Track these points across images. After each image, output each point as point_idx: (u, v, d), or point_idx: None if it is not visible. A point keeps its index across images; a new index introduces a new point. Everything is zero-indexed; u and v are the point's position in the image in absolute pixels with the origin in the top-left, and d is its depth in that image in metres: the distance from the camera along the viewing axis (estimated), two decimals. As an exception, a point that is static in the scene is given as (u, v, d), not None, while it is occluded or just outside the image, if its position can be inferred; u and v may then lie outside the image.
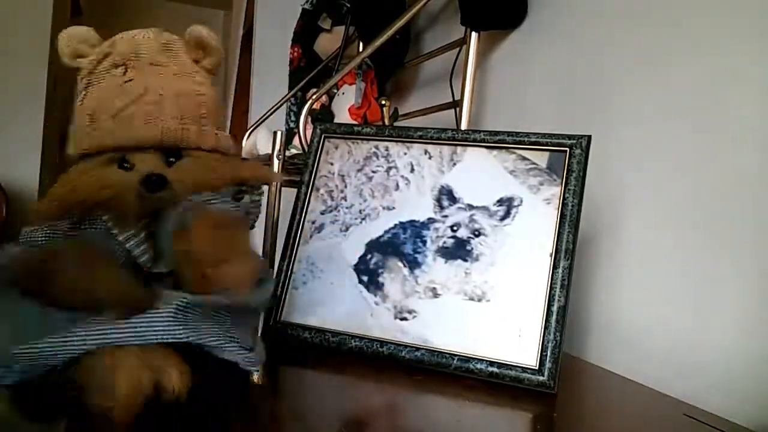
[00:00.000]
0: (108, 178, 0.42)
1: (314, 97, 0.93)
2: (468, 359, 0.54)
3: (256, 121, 1.35)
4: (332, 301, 0.61)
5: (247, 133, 1.30)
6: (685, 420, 0.48)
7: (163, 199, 0.42)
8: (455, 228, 0.60)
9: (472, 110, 0.96)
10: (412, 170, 0.64)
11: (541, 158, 0.60)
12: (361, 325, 0.59)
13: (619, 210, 0.70)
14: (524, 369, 0.52)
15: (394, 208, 0.63)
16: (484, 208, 0.60)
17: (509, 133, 0.62)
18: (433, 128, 0.65)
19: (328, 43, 1.33)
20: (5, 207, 2.63)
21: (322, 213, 0.66)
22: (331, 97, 1.25)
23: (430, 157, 0.64)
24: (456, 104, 0.98)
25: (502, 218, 0.59)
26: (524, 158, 0.61)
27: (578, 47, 0.81)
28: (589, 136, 0.59)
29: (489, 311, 0.56)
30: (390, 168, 0.65)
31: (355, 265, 0.62)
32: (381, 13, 1.11)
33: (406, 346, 0.56)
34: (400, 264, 0.61)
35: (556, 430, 0.47)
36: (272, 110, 1.39)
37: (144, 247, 0.43)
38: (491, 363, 0.53)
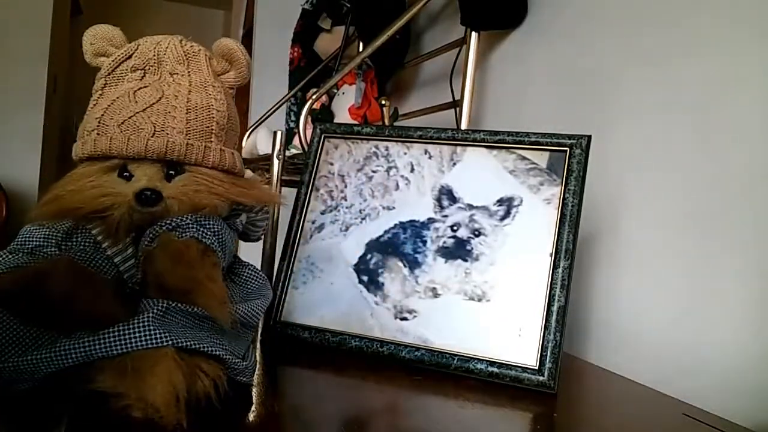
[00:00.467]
0: (106, 186, 0.42)
1: (314, 97, 0.93)
2: (468, 359, 0.54)
3: (256, 121, 1.35)
4: (332, 301, 0.61)
5: (247, 133, 1.30)
6: (684, 420, 0.48)
7: (154, 215, 0.42)
8: (455, 228, 0.60)
9: (472, 110, 0.96)
10: (412, 170, 0.64)
11: (541, 158, 0.60)
12: (361, 325, 0.59)
13: (619, 210, 0.70)
14: (524, 369, 0.52)
15: (394, 208, 0.63)
16: (484, 208, 0.60)
17: (509, 133, 0.62)
18: (433, 128, 0.65)
19: (328, 43, 1.33)
20: (5, 207, 2.63)
21: (322, 213, 0.66)
22: (331, 97, 1.25)
23: (430, 157, 0.64)
24: (456, 104, 0.98)
25: (502, 218, 0.59)
26: (524, 158, 0.61)
27: (578, 47, 0.81)
28: (589, 136, 0.59)
29: (489, 311, 0.56)
30: (390, 168, 0.65)
31: (355, 265, 0.62)
32: (381, 13, 1.11)
33: (406, 346, 0.56)
34: (400, 264, 0.61)
35: (556, 430, 0.47)
36: (272, 110, 1.39)
37: (130, 263, 0.43)
38: (491, 363, 0.53)
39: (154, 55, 0.45)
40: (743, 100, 0.57)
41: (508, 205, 0.59)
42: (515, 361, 0.53)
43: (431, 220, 0.61)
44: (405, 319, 0.58)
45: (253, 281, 0.49)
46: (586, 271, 0.73)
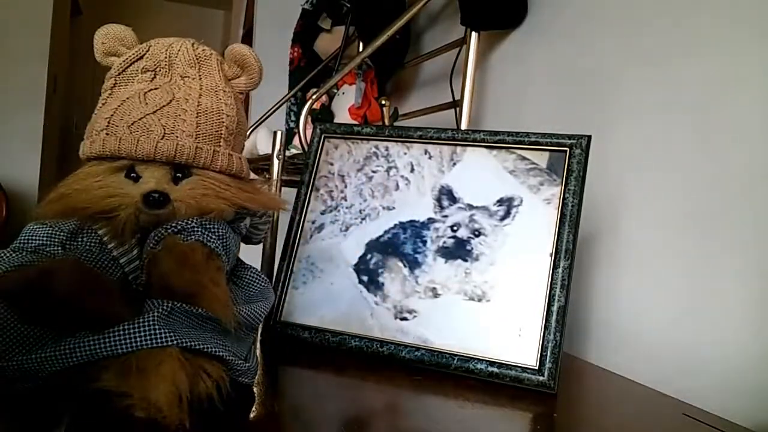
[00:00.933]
0: (114, 187, 0.42)
1: (314, 97, 0.93)
2: (468, 359, 0.54)
3: (256, 121, 1.35)
4: (332, 301, 0.61)
5: (247, 133, 1.30)
6: (684, 420, 0.48)
7: (161, 217, 0.42)
8: (455, 228, 0.60)
9: (472, 110, 0.96)
10: (412, 170, 0.64)
11: (541, 158, 0.60)
12: (361, 325, 0.59)
13: (619, 210, 0.70)
14: (524, 369, 0.52)
15: (394, 208, 0.63)
16: (484, 208, 0.60)
17: (509, 133, 0.62)
18: (433, 128, 0.65)
19: (328, 43, 1.33)
20: (5, 207, 2.63)
21: (322, 213, 0.66)
22: (331, 97, 1.25)
23: (430, 157, 0.64)
24: (456, 104, 0.98)
25: (502, 218, 0.59)
26: (524, 158, 0.61)
27: (578, 47, 0.81)
28: (589, 136, 0.59)
29: (489, 311, 0.56)
30: (390, 168, 0.65)
31: (355, 265, 0.62)
32: (381, 13, 1.11)
33: (406, 346, 0.56)
34: (400, 264, 0.61)
35: (556, 430, 0.47)
36: (272, 110, 1.39)
37: (135, 264, 0.43)
38: (491, 363, 0.53)
39: (166, 57, 0.45)
40: (743, 100, 0.57)
41: (508, 205, 0.59)
42: (515, 361, 0.53)
43: (431, 220, 0.61)
44: (405, 319, 0.58)
45: (255, 284, 0.49)
46: (586, 271, 0.73)
